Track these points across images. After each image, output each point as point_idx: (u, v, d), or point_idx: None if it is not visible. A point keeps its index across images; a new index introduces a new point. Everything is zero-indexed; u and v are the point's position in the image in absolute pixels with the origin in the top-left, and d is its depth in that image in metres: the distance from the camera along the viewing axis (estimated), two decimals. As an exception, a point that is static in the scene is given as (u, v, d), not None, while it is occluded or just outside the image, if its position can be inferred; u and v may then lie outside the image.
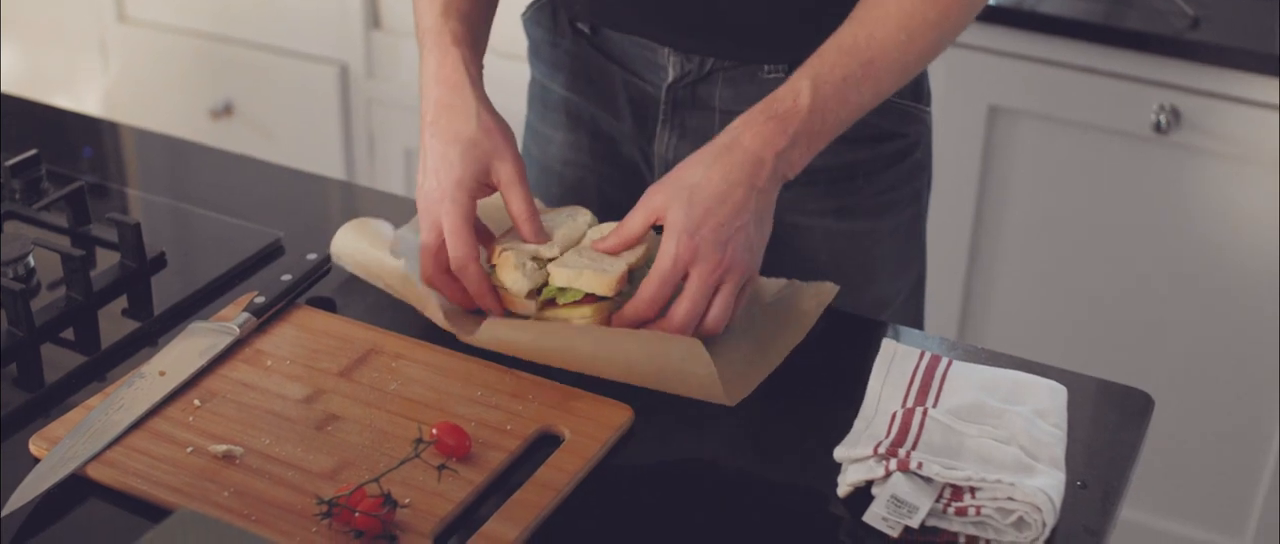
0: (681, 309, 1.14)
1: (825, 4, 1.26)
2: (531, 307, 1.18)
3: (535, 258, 1.18)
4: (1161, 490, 2.19)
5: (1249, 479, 2.15)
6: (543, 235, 1.20)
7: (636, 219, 1.19)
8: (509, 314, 1.19)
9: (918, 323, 1.52)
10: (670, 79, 1.36)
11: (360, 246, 1.25)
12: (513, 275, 1.17)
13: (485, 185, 1.21)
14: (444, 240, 1.18)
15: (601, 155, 1.46)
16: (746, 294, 1.19)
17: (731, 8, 1.30)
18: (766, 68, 1.32)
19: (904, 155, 1.39)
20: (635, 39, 1.36)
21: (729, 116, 1.33)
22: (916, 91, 1.39)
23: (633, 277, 1.18)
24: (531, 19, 1.47)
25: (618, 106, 1.42)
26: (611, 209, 1.46)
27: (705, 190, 1.15)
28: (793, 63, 1.30)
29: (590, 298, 1.16)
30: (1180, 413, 2.13)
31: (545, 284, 1.18)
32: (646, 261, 1.19)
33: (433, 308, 1.18)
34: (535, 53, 1.48)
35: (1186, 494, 2.20)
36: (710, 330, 1.16)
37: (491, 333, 1.15)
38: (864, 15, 1.21)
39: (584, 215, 1.24)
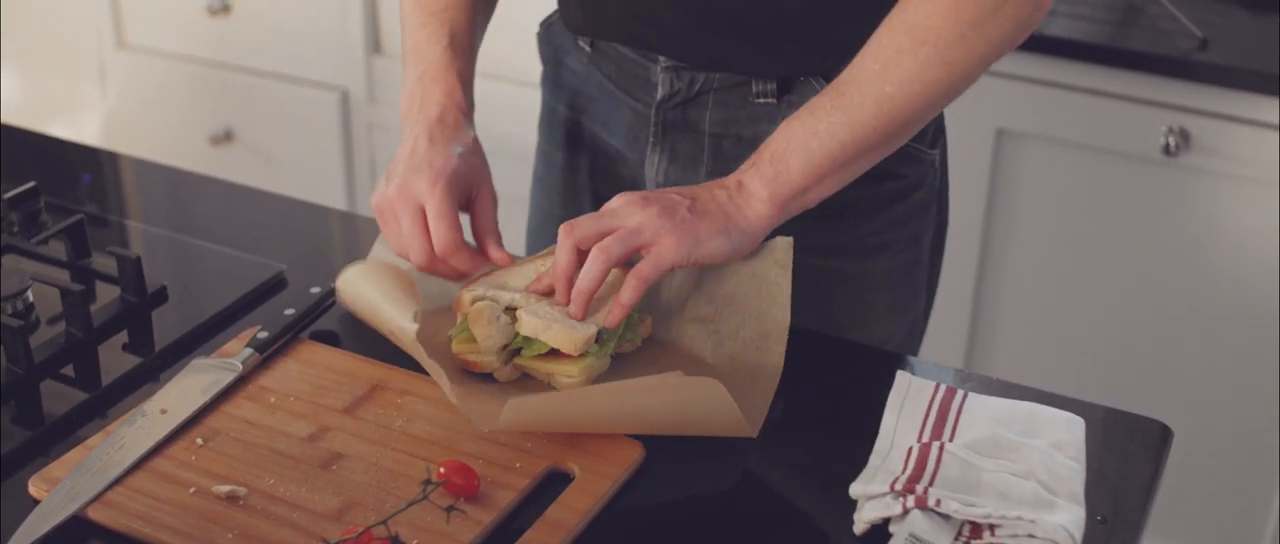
0: (595, 254, 1.13)
1: (814, 14, 1.25)
2: (496, 362, 1.14)
3: (509, 310, 1.15)
4: (1173, 516, 2.16)
5: (1262, 503, 2.13)
6: (506, 257, 1.20)
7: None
8: (469, 373, 1.16)
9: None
10: (660, 96, 1.35)
11: (369, 296, 1.22)
12: (486, 330, 1.13)
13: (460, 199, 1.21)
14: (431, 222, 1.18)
15: (600, 176, 1.46)
16: (655, 273, 1.14)
17: (722, 14, 1.28)
18: (755, 88, 1.31)
19: (900, 196, 1.36)
20: (629, 55, 1.36)
21: (719, 140, 1.33)
22: (918, 132, 1.34)
23: (602, 337, 1.15)
24: (542, 37, 1.48)
25: (615, 127, 1.41)
26: None
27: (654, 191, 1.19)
28: (782, 81, 1.30)
29: (555, 352, 1.14)
30: (1191, 437, 2.10)
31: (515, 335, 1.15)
32: (620, 328, 1.16)
33: (444, 382, 1.11)
34: (545, 72, 1.49)
35: (1198, 520, 2.18)
36: (611, 317, 1.13)
37: (514, 416, 1.07)
38: (856, 57, 1.20)
39: None
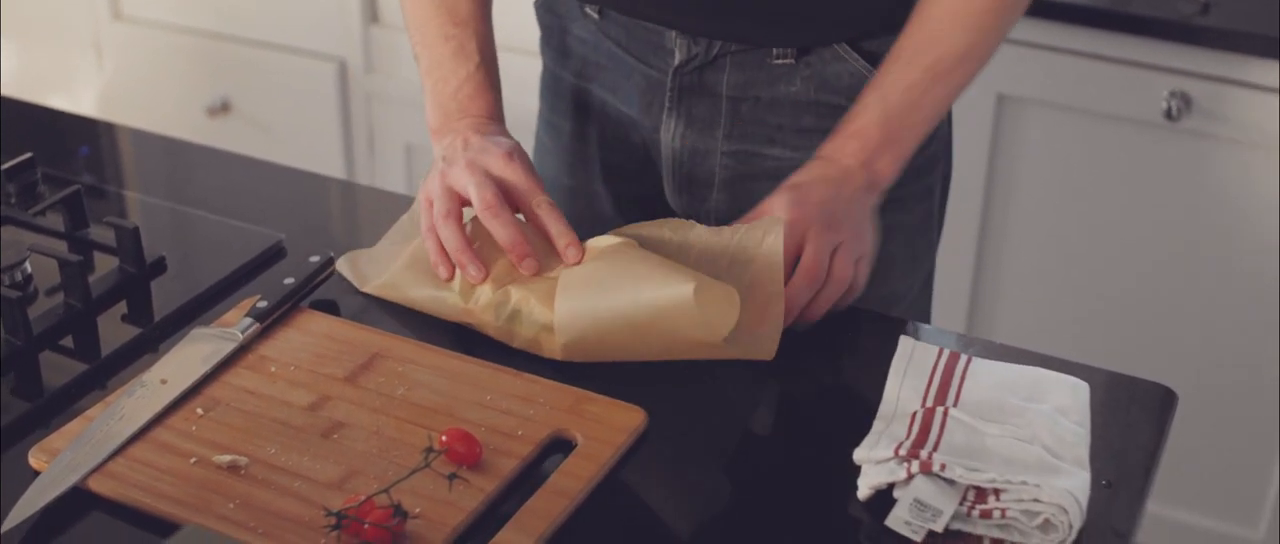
0: (803, 265, 1.17)
1: None
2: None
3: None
4: (1174, 481, 2.16)
5: (1263, 469, 2.13)
6: (579, 252, 1.18)
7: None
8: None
9: (926, 318, 1.50)
10: (677, 62, 1.33)
11: (374, 272, 1.23)
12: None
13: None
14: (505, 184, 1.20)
15: (611, 144, 1.44)
16: (866, 267, 1.21)
17: None
18: (774, 52, 1.30)
19: (918, 150, 1.36)
20: (642, 23, 1.34)
21: (737, 104, 1.32)
22: None
23: None
24: (543, 5, 1.46)
25: (626, 93, 1.40)
26: (621, 199, 1.45)
27: (808, 187, 1.21)
28: (801, 47, 1.29)
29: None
30: (1193, 402, 2.10)
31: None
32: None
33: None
34: (546, 41, 1.47)
35: (1200, 484, 2.18)
36: (837, 289, 1.18)
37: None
38: (920, 21, 1.24)
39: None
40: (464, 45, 1.32)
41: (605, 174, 1.46)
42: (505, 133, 1.29)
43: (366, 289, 1.23)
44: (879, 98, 1.24)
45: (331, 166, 2.64)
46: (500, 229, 1.17)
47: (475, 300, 1.16)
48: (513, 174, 1.20)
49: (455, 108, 1.30)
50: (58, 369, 1.16)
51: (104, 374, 1.15)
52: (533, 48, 1.50)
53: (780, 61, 1.31)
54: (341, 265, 1.25)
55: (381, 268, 1.24)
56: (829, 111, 1.29)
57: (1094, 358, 1.22)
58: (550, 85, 1.49)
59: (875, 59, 1.28)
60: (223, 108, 2.75)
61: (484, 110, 1.30)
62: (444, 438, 1.00)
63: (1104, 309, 2.16)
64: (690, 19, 1.31)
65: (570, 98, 1.45)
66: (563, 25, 1.43)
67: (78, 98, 2.92)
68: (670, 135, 1.37)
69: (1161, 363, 2.06)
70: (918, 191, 1.39)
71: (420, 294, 1.20)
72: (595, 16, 1.38)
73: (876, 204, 1.25)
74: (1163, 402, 1.13)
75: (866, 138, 1.23)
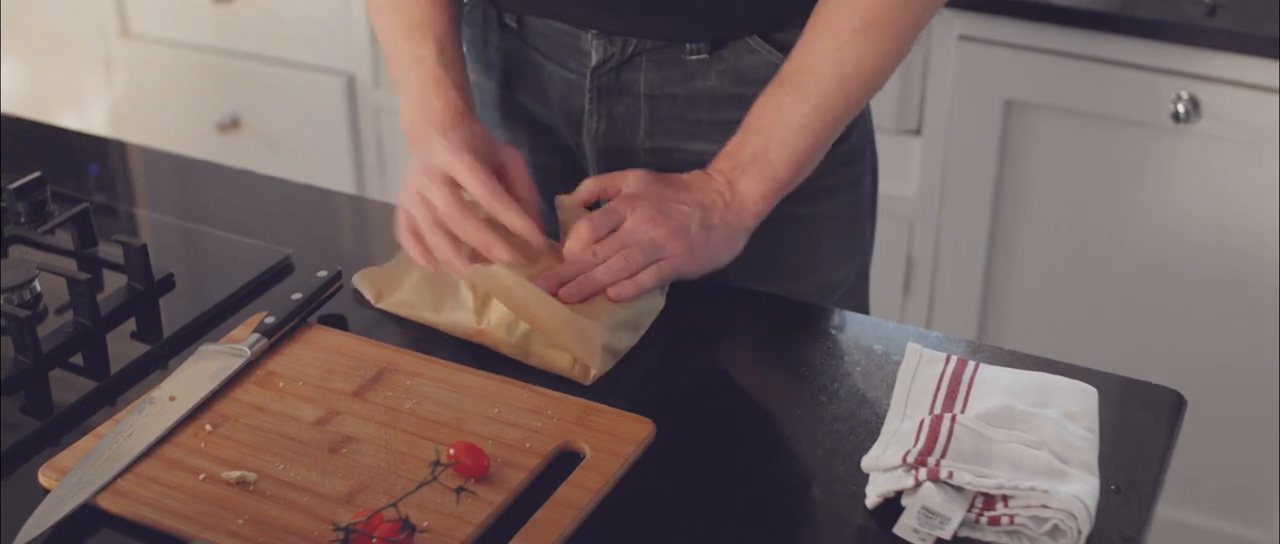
0: (616, 260, 1.19)
1: None
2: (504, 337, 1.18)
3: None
4: (1186, 483, 2.16)
5: (1274, 471, 2.12)
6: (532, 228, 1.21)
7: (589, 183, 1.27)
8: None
9: (864, 309, 1.53)
10: (594, 63, 1.35)
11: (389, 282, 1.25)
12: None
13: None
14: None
15: (540, 148, 1.46)
16: (663, 270, 1.21)
17: None
18: (688, 47, 1.32)
19: (837, 141, 1.34)
20: (558, 26, 1.36)
21: (655, 102, 1.35)
22: None
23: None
24: (465, 19, 1.46)
25: (548, 99, 1.41)
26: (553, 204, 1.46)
27: (664, 177, 1.25)
28: (713, 42, 1.30)
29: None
30: (1204, 405, 2.09)
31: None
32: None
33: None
34: (470, 53, 1.46)
35: (1211, 487, 2.17)
36: (620, 291, 1.18)
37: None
38: (798, 47, 1.25)
39: None
40: (422, 43, 1.31)
41: (538, 178, 1.46)
42: (469, 125, 1.28)
43: (380, 305, 1.23)
44: (751, 118, 1.25)
45: (341, 181, 2.65)
46: (468, 232, 1.19)
47: (488, 320, 1.17)
48: (461, 163, 1.21)
49: (421, 109, 1.29)
50: (67, 387, 1.16)
51: (113, 391, 1.15)
52: None
53: (694, 57, 1.32)
54: (357, 281, 1.25)
55: (396, 283, 1.24)
56: (747, 103, 1.29)
57: (1105, 361, 1.22)
58: (476, 97, 1.48)
59: (787, 49, 1.28)
60: (233, 124, 2.76)
61: (445, 106, 1.29)
62: (452, 451, 1.00)
63: (1115, 312, 2.16)
64: (605, 18, 1.33)
65: (497, 108, 1.47)
66: (483, 37, 1.44)
67: (88, 115, 2.94)
68: (592, 137, 1.39)
69: (1172, 365, 2.06)
70: (844, 181, 1.41)
71: (432, 313, 1.21)
72: (514, 25, 1.40)
73: (736, 224, 1.24)
74: (1172, 406, 1.12)
75: (734, 154, 1.25)
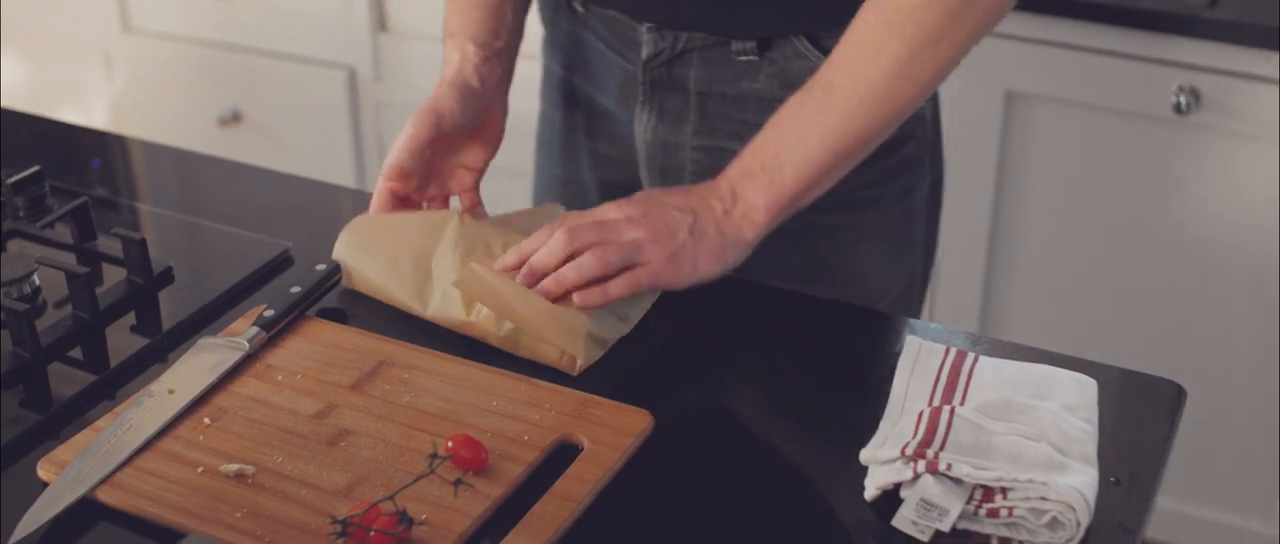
0: (589, 256, 1.14)
1: None
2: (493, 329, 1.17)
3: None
4: (1190, 475, 2.15)
5: (1275, 462, 2.11)
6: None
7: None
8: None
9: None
10: (645, 56, 1.35)
11: (362, 263, 1.24)
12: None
13: (449, 144, 1.31)
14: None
15: (597, 134, 1.46)
16: (639, 277, 1.16)
17: None
18: (734, 46, 1.31)
19: (888, 150, 1.33)
20: (617, 16, 1.36)
21: (705, 99, 1.34)
22: None
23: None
24: (541, 1, 1.48)
25: (606, 85, 1.42)
26: (606, 188, 1.46)
27: (654, 189, 1.22)
28: (762, 39, 1.29)
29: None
30: (1208, 396, 2.09)
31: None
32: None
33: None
34: (546, 35, 1.50)
35: (1216, 479, 2.17)
36: (587, 298, 1.14)
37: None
38: (833, 58, 1.18)
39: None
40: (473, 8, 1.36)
41: (592, 163, 1.48)
42: (459, 80, 1.32)
43: (349, 286, 1.24)
44: (772, 121, 1.20)
45: (342, 175, 2.65)
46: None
47: (477, 312, 1.16)
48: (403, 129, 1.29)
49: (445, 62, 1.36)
50: (66, 380, 1.16)
51: (112, 385, 1.15)
52: (530, 51, 1.51)
53: (743, 58, 1.31)
54: (340, 244, 1.25)
55: (371, 257, 1.24)
56: None
57: (1107, 352, 1.22)
58: (545, 78, 1.52)
59: None
60: (234, 118, 2.76)
61: (456, 56, 1.34)
62: (450, 444, 1.00)
63: (1116, 304, 2.15)
64: (653, 7, 1.32)
65: (559, 89, 1.49)
66: (555, 18, 1.46)
67: (89, 110, 2.94)
68: (643, 128, 1.39)
69: (1175, 356, 2.06)
70: (893, 191, 1.38)
71: (411, 300, 1.21)
72: (580, 10, 1.41)
73: (733, 235, 1.18)
74: (1172, 398, 1.12)
75: (748, 158, 1.19)
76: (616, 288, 1.15)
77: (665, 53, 1.34)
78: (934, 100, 1.41)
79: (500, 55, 1.35)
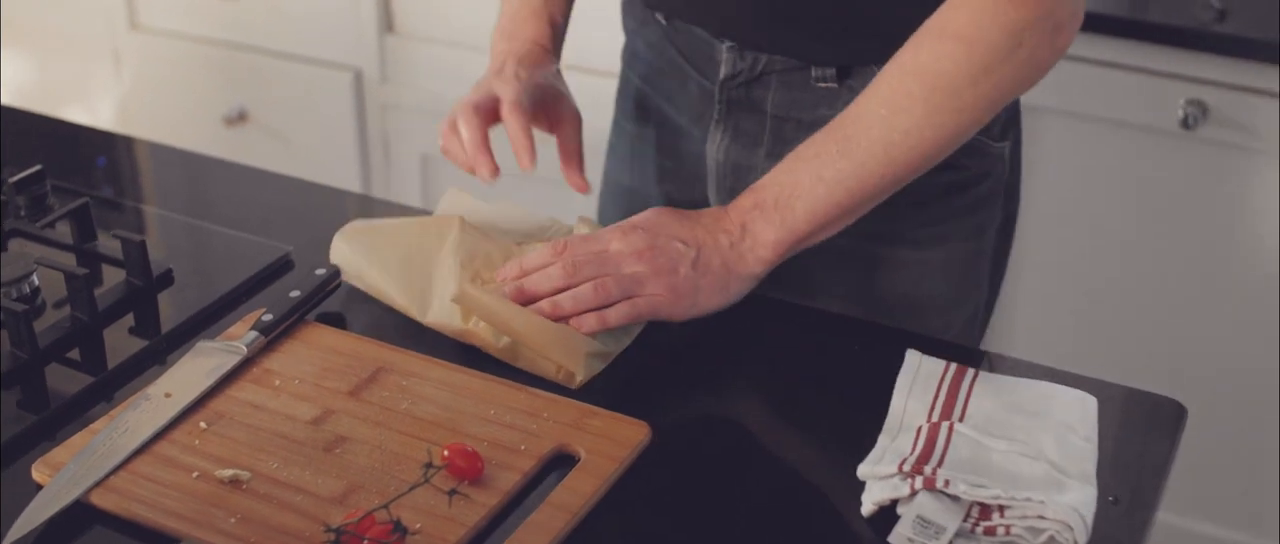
0: (586, 287, 1.14)
1: (872, 2, 1.23)
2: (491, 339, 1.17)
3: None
4: (1192, 491, 2.15)
5: (1278, 479, 2.11)
6: (583, 184, 1.29)
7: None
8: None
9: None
10: (723, 75, 1.34)
11: (360, 264, 1.23)
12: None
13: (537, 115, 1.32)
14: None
15: (666, 150, 1.45)
16: (639, 307, 1.15)
17: (779, 2, 1.27)
18: (814, 72, 1.29)
19: (961, 188, 1.33)
20: (699, 33, 1.35)
21: (781, 123, 1.32)
22: (987, 125, 1.29)
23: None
24: (626, 7, 1.48)
25: (682, 101, 1.41)
26: (671, 203, 1.46)
27: (662, 213, 1.19)
28: (841, 66, 1.28)
29: None
30: (1212, 411, 2.09)
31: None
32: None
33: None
34: (625, 44, 1.50)
35: (1218, 495, 2.16)
36: (583, 323, 1.13)
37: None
38: (861, 95, 1.18)
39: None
40: None
41: (659, 176, 1.47)
42: (544, 62, 1.36)
43: (348, 281, 1.24)
44: (789, 159, 1.18)
45: (347, 176, 2.65)
46: (450, 141, 1.29)
47: (475, 320, 1.16)
48: (500, 90, 1.30)
49: (511, 30, 1.39)
50: (65, 381, 1.16)
51: (110, 387, 1.15)
52: (606, 68, 1.51)
53: (822, 84, 1.29)
54: (336, 246, 1.24)
55: (369, 258, 1.23)
56: None
57: (1111, 366, 1.21)
58: (621, 87, 1.52)
59: None
60: (240, 117, 2.76)
61: (533, 36, 1.38)
62: (446, 453, 1.00)
63: (1122, 318, 2.15)
64: (735, 27, 1.31)
65: (634, 100, 1.48)
66: (638, 28, 1.46)
67: (96, 108, 2.94)
68: (716, 147, 1.38)
69: (1177, 370, 2.05)
70: (963, 229, 1.36)
71: (405, 300, 1.20)
72: (662, 22, 1.39)
73: (738, 268, 1.17)
74: (1173, 416, 1.12)
75: (759, 193, 1.18)
76: (615, 315, 1.14)
77: (744, 74, 1.32)
78: (1015, 137, 1.37)
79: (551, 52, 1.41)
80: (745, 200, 1.19)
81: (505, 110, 1.28)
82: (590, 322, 1.13)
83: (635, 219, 1.19)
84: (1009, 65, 1.13)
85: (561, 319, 1.14)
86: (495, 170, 1.25)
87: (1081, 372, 1.14)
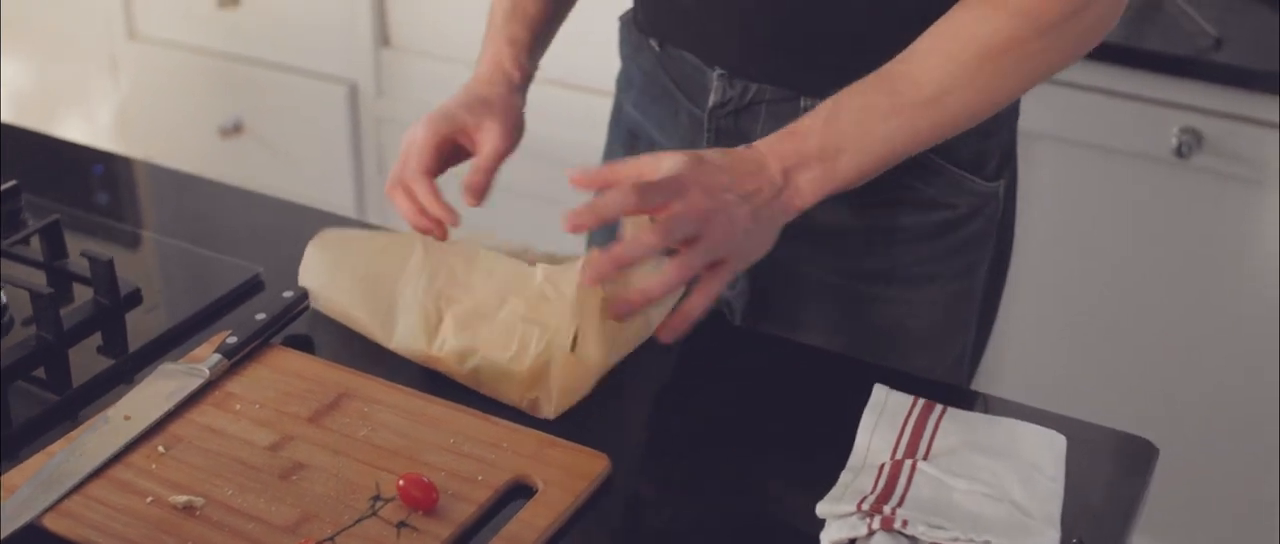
0: (673, 266, 1.09)
1: (865, 35, 1.22)
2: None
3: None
4: (1183, 525, 2.13)
5: (1275, 513, 2.09)
6: (476, 194, 1.25)
7: (623, 167, 1.16)
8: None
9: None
10: (712, 103, 1.32)
11: (330, 283, 1.22)
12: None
13: (461, 142, 1.29)
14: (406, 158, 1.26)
15: None
16: (725, 274, 1.12)
17: (771, 35, 1.27)
18: (804, 103, 1.28)
19: (951, 227, 1.31)
20: (690, 59, 1.34)
21: None
22: (976, 162, 1.30)
23: None
24: (623, 32, 1.47)
25: (671, 130, 1.40)
26: None
27: (711, 158, 1.13)
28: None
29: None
30: (1203, 447, 2.07)
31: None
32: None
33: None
34: (621, 70, 1.49)
35: (1207, 529, 2.14)
36: (674, 277, 1.09)
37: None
38: (909, 50, 1.15)
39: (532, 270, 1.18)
40: (504, 6, 1.38)
41: None
42: (490, 82, 1.34)
43: (315, 306, 1.22)
44: (831, 107, 1.15)
45: (341, 189, 2.64)
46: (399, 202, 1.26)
47: (439, 345, 1.15)
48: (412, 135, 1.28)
49: (485, 57, 1.38)
50: (29, 401, 1.15)
51: (75, 406, 1.14)
52: (601, 87, 1.50)
53: None
54: (306, 264, 1.23)
55: (339, 274, 1.22)
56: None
57: (1105, 393, 1.19)
58: (614, 114, 1.51)
59: None
60: (235, 129, 2.76)
61: (490, 58, 1.37)
62: (401, 482, 0.99)
63: (1111, 345, 2.13)
64: (725, 54, 1.30)
65: (626, 128, 1.47)
66: (633, 53, 1.45)
67: (93, 116, 2.94)
68: None
69: (1171, 402, 2.04)
70: (953, 269, 1.34)
71: (370, 320, 1.19)
72: (656, 49, 1.38)
73: (779, 217, 1.14)
74: (1143, 456, 1.10)
75: (802, 141, 1.14)
76: (715, 286, 1.12)
77: (733, 102, 1.31)
78: (1010, 176, 1.36)
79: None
80: (785, 146, 1.15)
81: (411, 182, 1.26)
82: (697, 302, 1.12)
83: (682, 174, 1.11)
84: (1063, 32, 1.13)
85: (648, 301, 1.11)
86: (454, 223, 1.24)
87: (1075, 398, 1.13)
